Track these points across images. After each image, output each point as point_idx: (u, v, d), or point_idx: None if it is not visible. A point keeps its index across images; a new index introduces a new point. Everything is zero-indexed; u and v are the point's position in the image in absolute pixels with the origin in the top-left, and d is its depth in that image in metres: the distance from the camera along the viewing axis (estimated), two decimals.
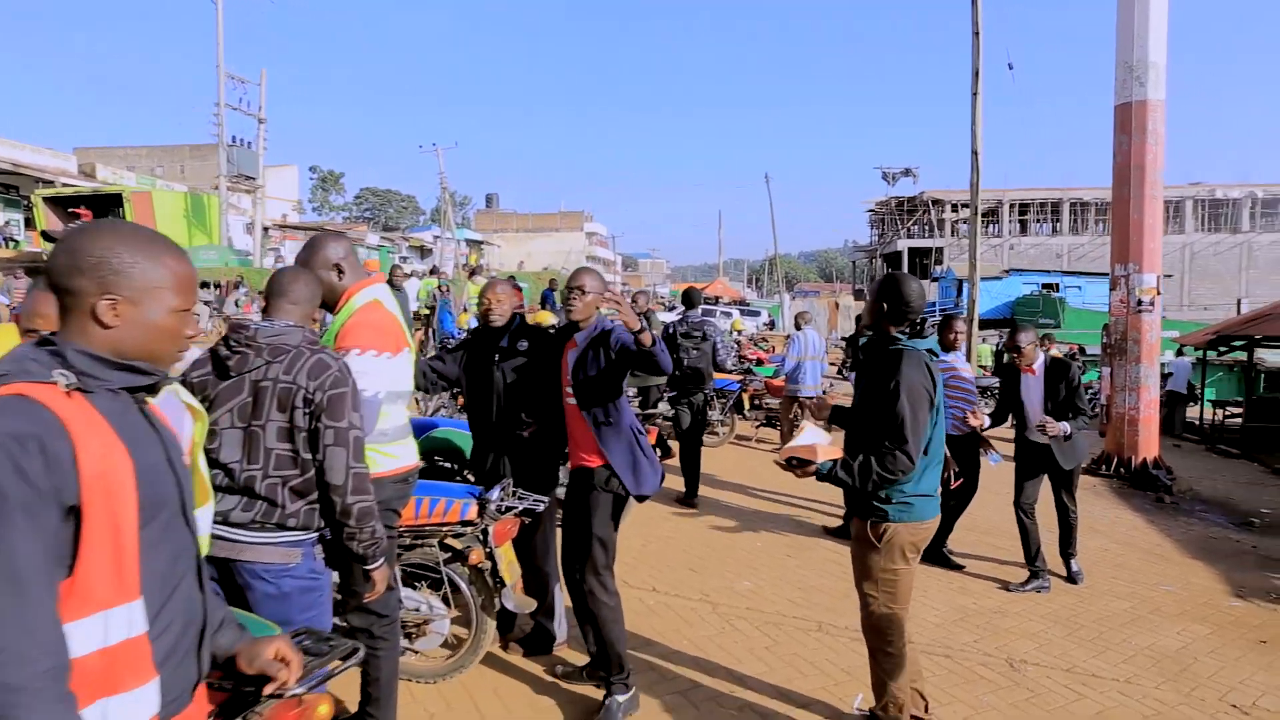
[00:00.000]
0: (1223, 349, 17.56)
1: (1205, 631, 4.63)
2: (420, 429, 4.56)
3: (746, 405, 9.35)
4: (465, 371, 3.77)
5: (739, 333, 17.31)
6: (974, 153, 14.97)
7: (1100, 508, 7.81)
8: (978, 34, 14.65)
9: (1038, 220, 51.15)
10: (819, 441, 3.08)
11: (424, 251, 57.61)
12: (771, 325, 36.16)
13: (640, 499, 3.26)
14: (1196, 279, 48.25)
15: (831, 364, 23.96)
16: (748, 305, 41.97)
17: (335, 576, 2.71)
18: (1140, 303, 9.23)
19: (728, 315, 31.25)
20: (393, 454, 2.71)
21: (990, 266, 43.57)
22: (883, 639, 3.08)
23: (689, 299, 7.36)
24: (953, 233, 50.41)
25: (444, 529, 3.13)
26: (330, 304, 2.72)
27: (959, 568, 5.47)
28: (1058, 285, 38.89)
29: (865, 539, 3.06)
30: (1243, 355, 19.01)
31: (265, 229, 38.27)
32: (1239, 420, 16.81)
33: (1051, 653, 4.17)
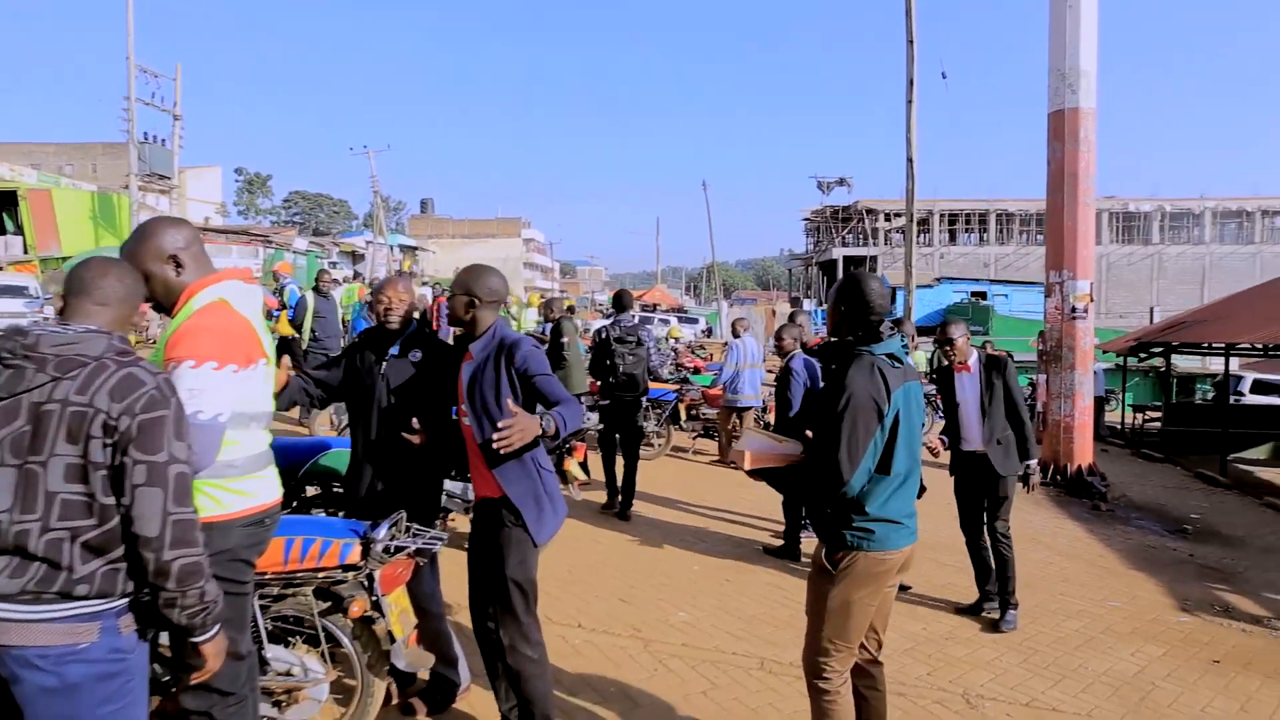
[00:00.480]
0: (1143, 355, 18.11)
1: (1159, 652, 4.43)
2: (310, 450, 4.02)
3: (683, 415, 8.97)
4: (347, 377, 3.28)
5: (676, 340, 16.95)
6: (909, 160, 15.02)
7: (1040, 517, 7.70)
8: (912, 42, 14.72)
9: (966, 230, 52.69)
10: (749, 448, 2.76)
11: (356, 257, 56.17)
12: (709, 332, 36.09)
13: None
14: (1112, 288, 50.37)
15: (769, 371, 23.89)
16: (685, 312, 41.93)
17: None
18: (1075, 309, 9.22)
19: (665, 322, 31.02)
20: (244, 490, 2.20)
21: (922, 274, 44.53)
22: (820, 676, 2.71)
23: (620, 302, 6.95)
24: (886, 241, 51.48)
25: (320, 575, 2.62)
26: (167, 306, 2.20)
27: (905, 588, 5.16)
28: (986, 293, 40.03)
29: (821, 565, 2.70)
30: (1158, 361, 19.75)
31: None
32: (1157, 424, 17.40)
33: (1008, 684, 3.88)
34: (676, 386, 9.01)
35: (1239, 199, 52.43)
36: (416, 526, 2.80)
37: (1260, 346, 13.91)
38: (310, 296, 9.50)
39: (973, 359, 4.75)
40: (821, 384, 6.05)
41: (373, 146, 48.67)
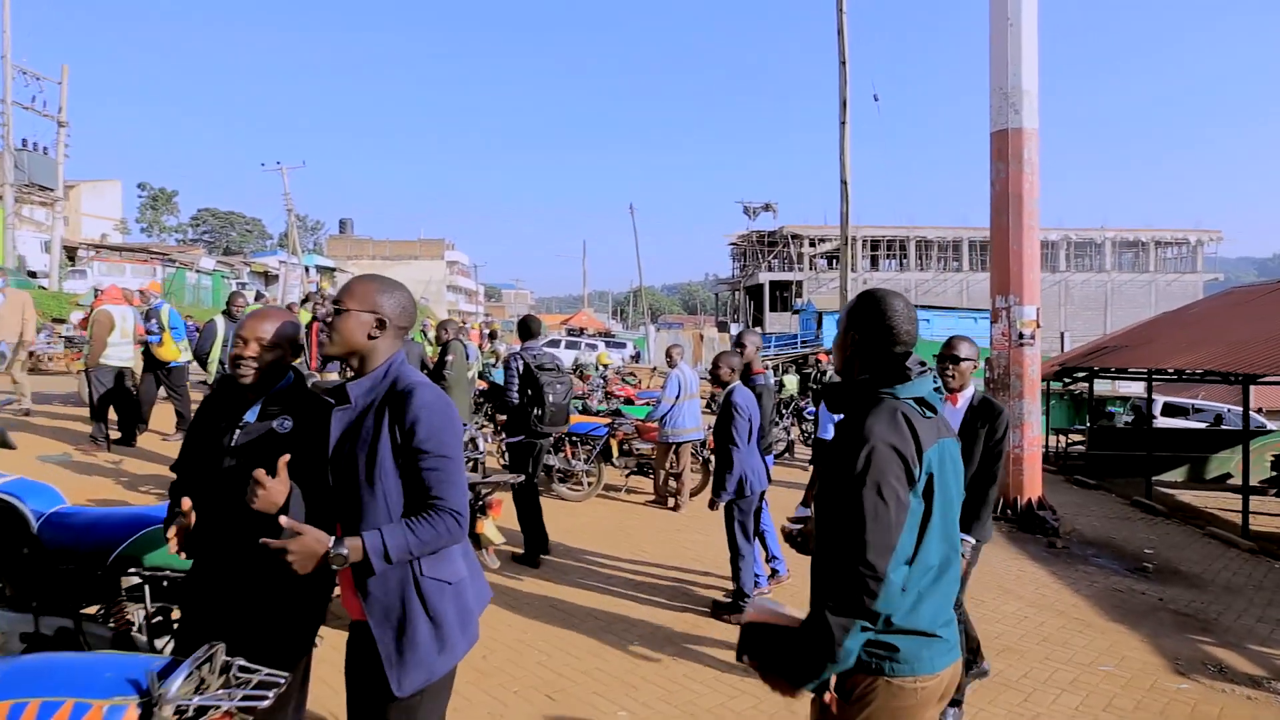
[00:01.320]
0: (1067, 380, 18.35)
1: None
2: (129, 525, 3.01)
3: (615, 451, 8.14)
4: (187, 449, 2.34)
5: (605, 366, 16.12)
6: (843, 183, 14.74)
7: (1000, 559, 7.18)
8: (844, 64, 14.50)
9: (887, 256, 53.93)
10: (753, 609, 2.06)
11: (269, 278, 53.69)
12: (637, 357, 35.49)
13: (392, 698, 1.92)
14: None
15: (700, 398, 23.22)
16: (613, 337, 41.17)
17: None
18: (1021, 336, 8.88)
19: (593, 347, 30.23)
20: None
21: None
22: None
23: (527, 329, 6.15)
24: (811, 267, 52.20)
25: None
26: None
27: None
28: None
29: (825, 695, 1.93)
30: (1073, 385, 20.16)
31: (72, 249, 33.66)
32: (1078, 447, 17.63)
33: None
34: (608, 420, 8.18)
35: (1135, 230, 55.50)
36: (241, 664, 1.88)
37: (1173, 371, 14.16)
38: (220, 321, 8.32)
39: (966, 394, 4.05)
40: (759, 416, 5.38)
41: (287, 163, 46.52)
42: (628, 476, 8.74)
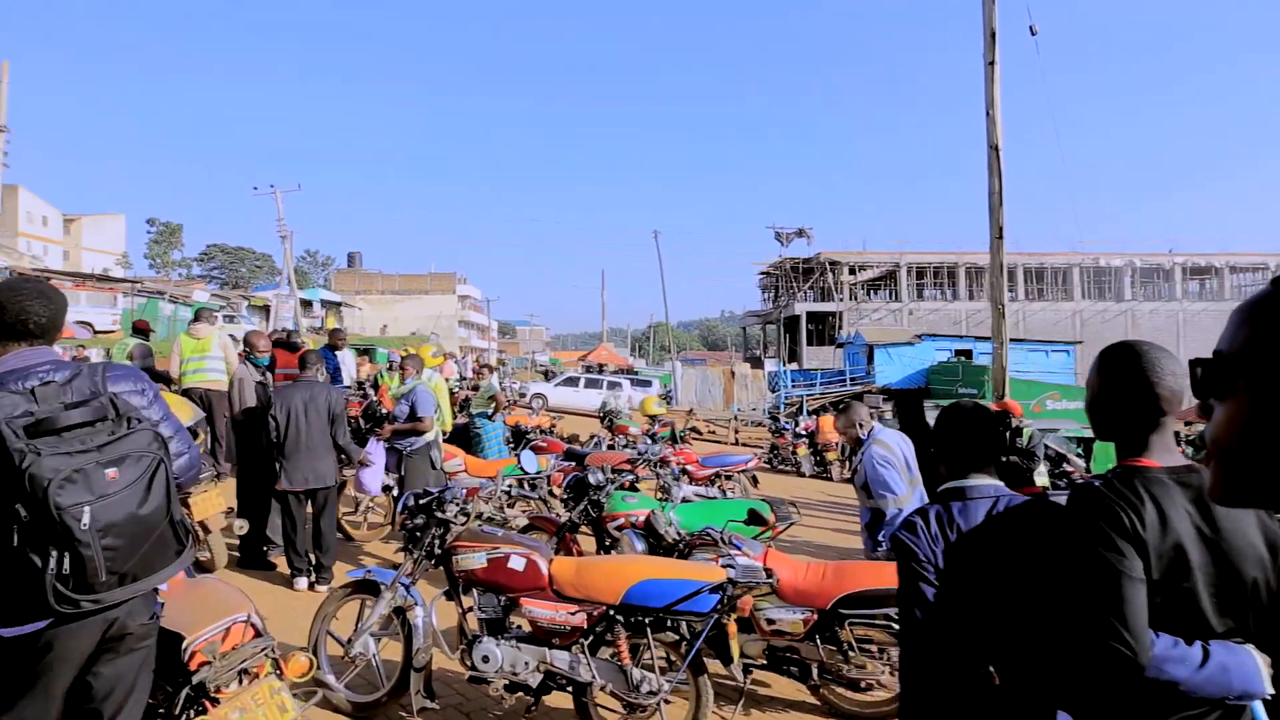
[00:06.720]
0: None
1: None
2: None
3: (735, 644, 3.39)
4: None
5: (655, 420, 11.23)
6: (992, 148, 10.14)
7: None
8: None
9: (934, 285, 49.20)
10: None
11: (268, 311, 50.14)
12: (667, 398, 30.73)
13: None
14: (1090, 346, 47.23)
15: (747, 445, 18.12)
16: (637, 374, 36.32)
17: None
18: None
19: (616, 386, 25.63)
20: None
21: (898, 331, 40.36)
22: None
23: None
24: (851, 296, 47.51)
25: None
26: None
27: None
28: (971, 351, 35.84)
29: None
30: None
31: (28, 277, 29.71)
32: None
33: None
34: (716, 576, 3.42)
35: (1207, 255, 50.55)
36: None
37: None
38: None
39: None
40: None
41: (282, 186, 42.61)
42: (748, 678, 3.97)
